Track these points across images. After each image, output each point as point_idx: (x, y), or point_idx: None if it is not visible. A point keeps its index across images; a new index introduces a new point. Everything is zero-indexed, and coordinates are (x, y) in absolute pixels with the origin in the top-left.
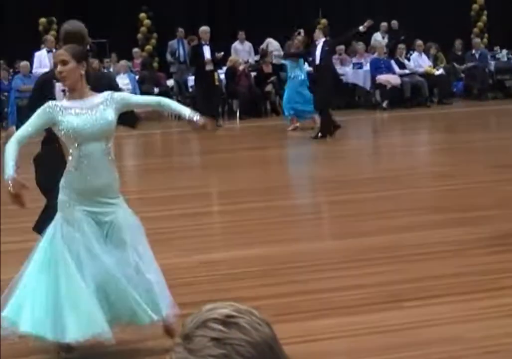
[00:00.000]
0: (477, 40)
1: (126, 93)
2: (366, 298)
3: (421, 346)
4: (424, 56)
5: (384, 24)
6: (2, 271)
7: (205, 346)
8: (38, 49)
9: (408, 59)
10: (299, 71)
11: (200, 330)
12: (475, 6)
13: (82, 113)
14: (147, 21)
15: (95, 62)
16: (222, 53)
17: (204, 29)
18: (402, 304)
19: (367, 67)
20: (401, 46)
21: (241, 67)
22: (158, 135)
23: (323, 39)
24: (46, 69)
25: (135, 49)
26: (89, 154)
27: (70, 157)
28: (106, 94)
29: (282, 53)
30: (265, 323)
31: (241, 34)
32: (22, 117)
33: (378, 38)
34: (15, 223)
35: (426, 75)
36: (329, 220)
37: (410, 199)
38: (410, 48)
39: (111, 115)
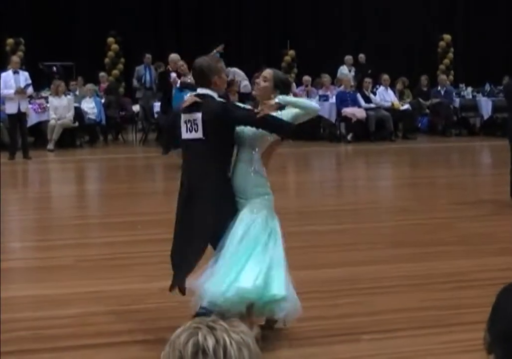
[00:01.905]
0: (443, 77)
1: None
2: (325, 330)
3: None
4: (390, 90)
5: (349, 57)
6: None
7: None
8: (4, 70)
9: (374, 93)
10: None
11: None
12: (442, 43)
13: None
14: (115, 46)
15: (61, 85)
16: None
17: (173, 57)
18: (360, 337)
19: (333, 99)
20: (367, 80)
21: None
22: (122, 160)
23: None
24: (12, 91)
25: (102, 73)
26: None
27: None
28: None
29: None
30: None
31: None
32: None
33: (344, 71)
34: None
35: (392, 109)
36: (289, 251)
37: (370, 233)
38: (376, 83)
39: None
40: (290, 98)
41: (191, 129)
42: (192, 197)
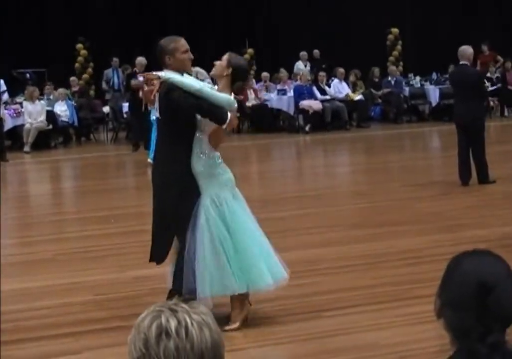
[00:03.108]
0: (393, 68)
1: None
2: (287, 309)
3: (339, 353)
4: (344, 83)
5: (304, 53)
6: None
7: None
8: None
9: (329, 86)
10: None
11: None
12: (390, 36)
13: None
14: (83, 51)
15: (35, 90)
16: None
17: (140, 60)
18: (321, 314)
19: (290, 93)
20: (322, 73)
21: None
22: (95, 158)
23: None
24: None
25: (72, 78)
26: None
27: None
28: None
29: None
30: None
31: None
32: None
33: (300, 66)
34: None
35: (346, 100)
36: None
37: (329, 216)
38: (330, 76)
39: None
40: (170, 74)
41: (157, 108)
42: (154, 176)
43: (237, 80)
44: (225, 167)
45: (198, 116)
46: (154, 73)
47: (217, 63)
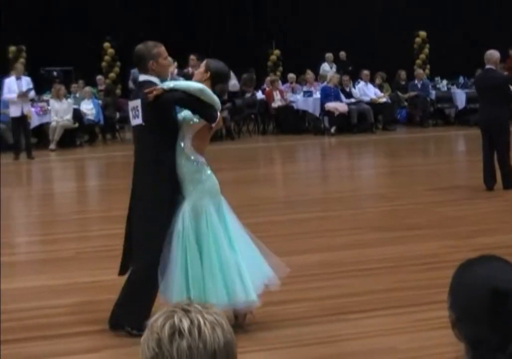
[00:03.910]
0: (420, 71)
1: None
2: (307, 311)
3: (356, 356)
4: (370, 85)
5: (330, 55)
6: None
7: None
8: (8, 76)
9: (355, 88)
10: None
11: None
12: (418, 39)
13: None
14: (110, 50)
15: (61, 88)
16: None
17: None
18: (341, 317)
19: (316, 95)
20: (345, 77)
21: None
22: (120, 157)
23: None
24: (15, 95)
25: (99, 76)
26: None
27: None
28: None
29: (237, 82)
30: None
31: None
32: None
33: (326, 68)
34: None
35: (372, 103)
36: (274, 238)
37: (352, 219)
38: (356, 78)
39: None
40: (173, 83)
41: (134, 116)
42: (135, 185)
43: (217, 83)
44: (210, 173)
45: (180, 120)
46: (159, 87)
47: (196, 71)
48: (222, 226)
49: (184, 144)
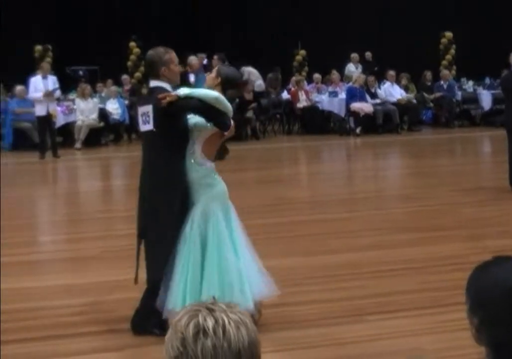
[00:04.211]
0: (446, 71)
1: None
2: (330, 312)
3: (379, 357)
4: (395, 85)
5: (355, 55)
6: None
7: None
8: (34, 74)
9: (380, 88)
10: None
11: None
12: (444, 40)
13: None
14: (136, 50)
15: (87, 88)
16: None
17: (192, 59)
18: (364, 318)
19: (342, 95)
20: (370, 78)
21: None
22: None
23: None
24: (41, 94)
25: (124, 76)
26: None
27: None
28: None
29: (262, 82)
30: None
31: (226, 64)
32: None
33: (351, 68)
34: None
35: (397, 103)
36: (299, 238)
37: (377, 219)
38: (382, 78)
39: None
40: (188, 90)
41: (145, 121)
42: (145, 191)
43: (228, 89)
44: (219, 179)
45: (191, 126)
46: (173, 93)
47: (207, 76)
48: (228, 231)
49: (194, 150)
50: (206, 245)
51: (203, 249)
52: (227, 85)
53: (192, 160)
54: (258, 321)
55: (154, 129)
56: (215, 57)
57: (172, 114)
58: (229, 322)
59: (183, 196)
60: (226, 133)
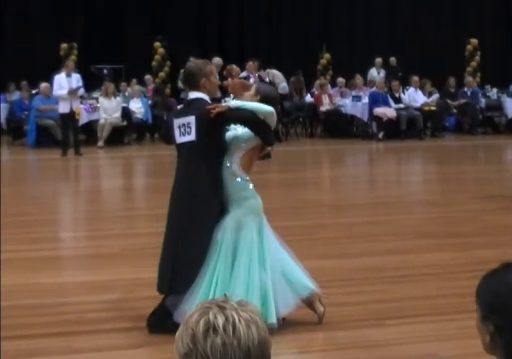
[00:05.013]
0: (470, 78)
1: None
2: (350, 315)
3: None
4: (419, 91)
5: (379, 60)
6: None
7: None
8: (58, 72)
9: (404, 94)
10: None
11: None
12: (469, 47)
13: None
14: (161, 50)
15: (111, 86)
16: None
17: (217, 61)
18: (384, 322)
19: (365, 99)
20: (395, 82)
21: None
22: (168, 157)
23: None
24: (65, 91)
25: (147, 76)
26: None
27: None
28: None
29: (286, 84)
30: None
31: (250, 65)
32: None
33: (374, 73)
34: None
35: (421, 109)
36: (320, 242)
37: (398, 224)
38: (406, 83)
39: None
40: (240, 102)
41: (184, 133)
42: (183, 201)
43: None
44: (255, 193)
45: (230, 138)
46: (223, 104)
47: (246, 93)
48: (259, 245)
49: (232, 162)
50: (236, 256)
51: (233, 259)
52: (265, 103)
53: (230, 173)
54: (322, 317)
55: (196, 140)
56: (250, 62)
57: (219, 124)
58: (239, 320)
59: (220, 206)
60: (269, 148)
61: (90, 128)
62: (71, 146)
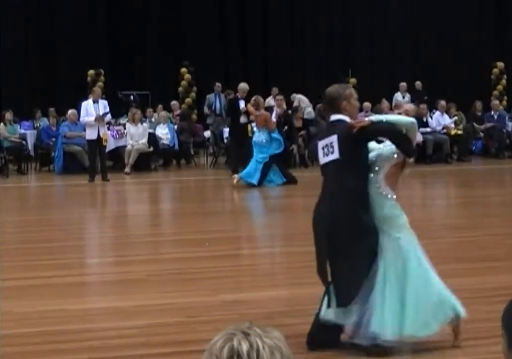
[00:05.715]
0: (496, 102)
1: None
2: None
3: None
4: (445, 115)
5: (404, 84)
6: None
7: None
8: (86, 98)
9: (431, 118)
10: None
11: None
12: (495, 70)
13: None
14: (187, 76)
15: (138, 112)
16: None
17: (243, 86)
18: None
19: None
20: (423, 106)
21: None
22: (194, 182)
23: None
24: (92, 118)
25: (174, 102)
26: None
27: None
28: None
29: (312, 109)
30: None
31: (275, 90)
32: None
33: (399, 97)
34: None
35: (447, 133)
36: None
37: (426, 249)
38: (432, 108)
39: None
40: (382, 116)
41: (327, 152)
42: (334, 216)
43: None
44: (401, 208)
45: (374, 157)
46: (366, 119)
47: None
48: (401, 262)
49: (378, 180)
50: (406, 271)
51: (403, 272)
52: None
53: (378, 192)
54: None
55: (340, 157)
56: (275, 89)
57: (362, 139)
58: (263, 347)
59: (373, 220)
60: (411, 160)
61: (117, 154)
62: (98, 173)
